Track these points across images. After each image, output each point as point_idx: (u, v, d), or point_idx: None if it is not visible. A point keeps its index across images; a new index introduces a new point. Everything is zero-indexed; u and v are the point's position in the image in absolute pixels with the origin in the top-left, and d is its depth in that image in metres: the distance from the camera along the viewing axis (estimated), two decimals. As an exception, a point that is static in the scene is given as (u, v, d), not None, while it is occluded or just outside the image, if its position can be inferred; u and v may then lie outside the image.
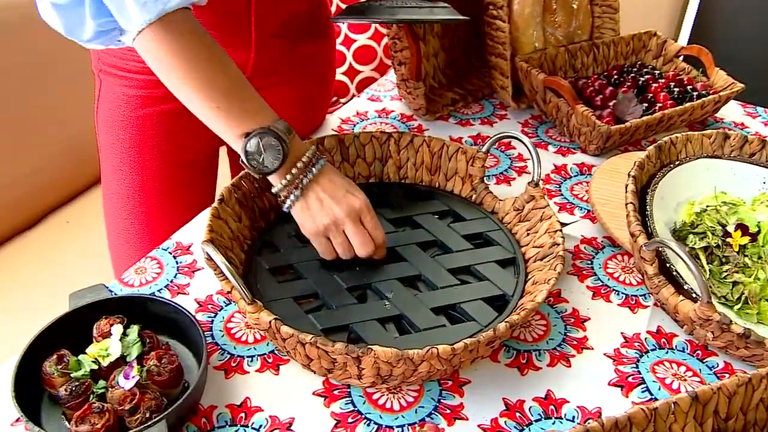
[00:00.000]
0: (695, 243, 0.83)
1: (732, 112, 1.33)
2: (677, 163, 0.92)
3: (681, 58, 1.36)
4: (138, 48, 0.80)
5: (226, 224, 0.81)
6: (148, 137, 1.04)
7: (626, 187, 0.83)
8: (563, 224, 0.85)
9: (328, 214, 0.80)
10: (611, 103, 1.17)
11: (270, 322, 0.65)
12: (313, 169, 0.82)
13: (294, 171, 0.80)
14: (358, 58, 2.04)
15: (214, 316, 0.80)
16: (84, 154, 1.64)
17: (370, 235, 0.82)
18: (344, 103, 1.36)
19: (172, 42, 0.77)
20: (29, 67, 1.54)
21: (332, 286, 0.80)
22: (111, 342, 0.69)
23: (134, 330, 0.70)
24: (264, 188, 0.88)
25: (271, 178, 0.81)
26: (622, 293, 0.86)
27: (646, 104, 1.20)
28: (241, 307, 0.68)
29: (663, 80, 1.27)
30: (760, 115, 1.33)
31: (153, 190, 1.08)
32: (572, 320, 0.81)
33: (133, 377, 0.65)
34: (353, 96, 2.03)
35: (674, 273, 0.76)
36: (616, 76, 1.30)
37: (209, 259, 0.69)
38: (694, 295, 0.74)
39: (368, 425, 0.68)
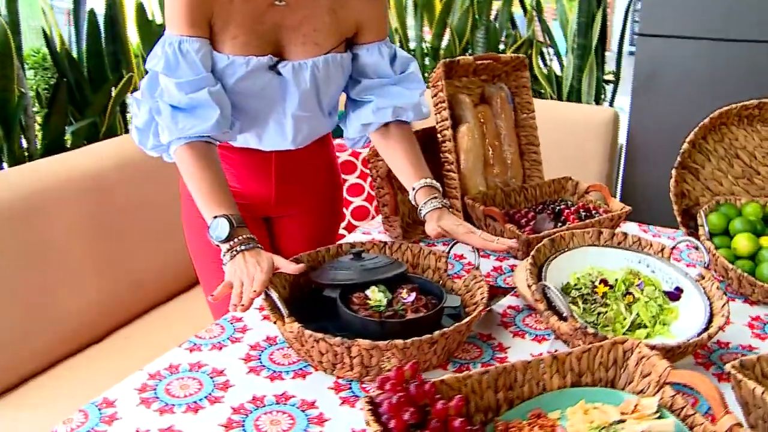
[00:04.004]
0: (574, 293, 1.28)
1: (631, 229, 1.81)
2: (565, 249, 1.38)
3: (589, 193, 1.86)
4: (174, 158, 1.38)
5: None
6: None
7: (528, 261, 1.29)
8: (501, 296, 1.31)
9: (239, 272, 1.22)
10: (531, 223, 1.66)
11: (298, 328, 1.10)
12: (242, 247, 1.25)
13: (233, 244, 1.26)
14: (354, 215, 2.57)
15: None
16: (140, 286, 2.17)
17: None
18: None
19: (184, 161, 1.35)
20: (112, 215, 2.08)
21: None
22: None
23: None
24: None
25: (221, 245, 1.27)
26: (533, 333, 1.29)
27: (560, 223, 1.68)
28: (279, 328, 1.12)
29: (574, 207, 1.75)
30: (650, 230, 1.81)
31: None
32: (498, 348, 1.24)
33: None
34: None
35: (556, 308, 1.21)
36: (540, 208, 1.79)
37: (267, 298, 1.15)
38: (565, 317, 1.18)
39: None
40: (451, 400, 0.86)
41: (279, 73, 1.41)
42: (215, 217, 1.28)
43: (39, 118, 2.70)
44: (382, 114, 1.50)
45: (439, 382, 0.91)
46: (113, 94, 2.69)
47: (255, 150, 1.52)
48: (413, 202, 1.47)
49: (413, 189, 1.46)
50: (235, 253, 1.26)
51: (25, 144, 2.52)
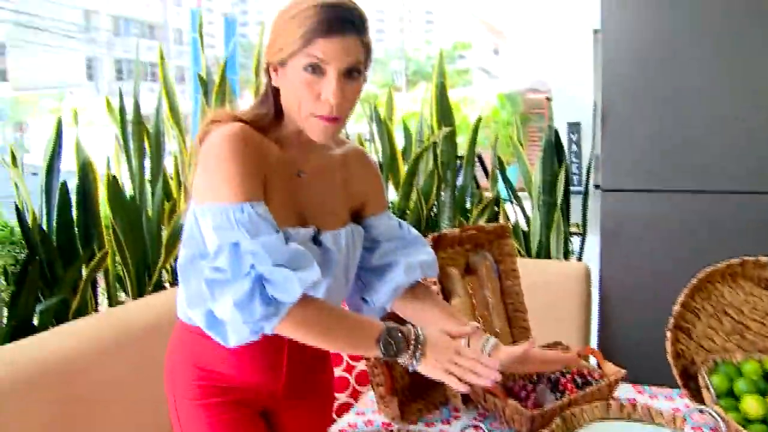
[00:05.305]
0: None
1: (626, 390, 1.78)
2: (577, 427, 1.35)
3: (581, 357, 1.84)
4: (281, 331, 1.29)
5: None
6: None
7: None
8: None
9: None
10: (532, 395, 1.62)
11: None
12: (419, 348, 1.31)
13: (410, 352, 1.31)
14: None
15: None
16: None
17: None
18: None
19: (307, 316, 1.30)
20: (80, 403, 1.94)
21: None
22: None
23: None
24: None
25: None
26: None
27: (559, 393, 1.65)
28: None
29: (569, 375, 1.73)
30: (646, 391, 1.79)
31: None
32: None
33: None
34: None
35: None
36: (536, 377, 1.76)
37: None
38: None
39: None
40: None
41: (319, 245, 1.40)
42: (377, 341, 1.31)
43: (5, 295, 2.62)
44: (412, 273, 1.53)
45: None
46: (84, 270, 2.64)
47: (267, 341, 1.39)
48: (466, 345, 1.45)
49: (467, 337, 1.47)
50: (419, 356, 1.31)
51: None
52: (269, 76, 1.38)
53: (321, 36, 1.28)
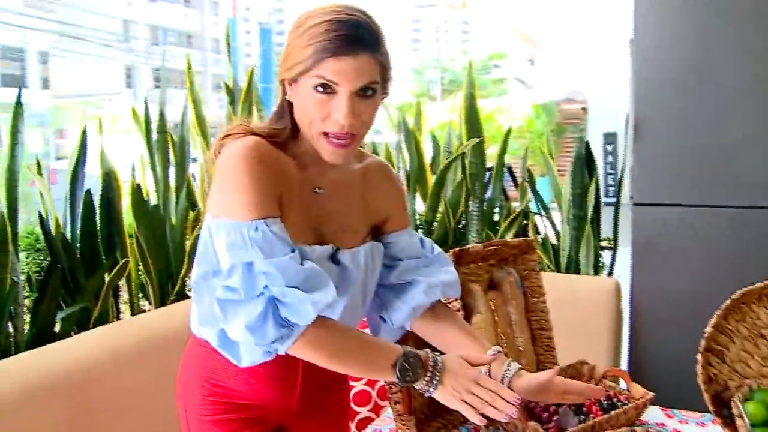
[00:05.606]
0: None
1: (655, 414, 1.71)
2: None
3: (607, 378, 1.77)
4: (295, 352, 1.26)
5: None
6: None
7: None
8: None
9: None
10: (555, 418, 1.56)
11: None
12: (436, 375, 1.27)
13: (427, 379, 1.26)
14: (356, 401, 2.44)
15: None
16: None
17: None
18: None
19: (320, 338, 1.26)
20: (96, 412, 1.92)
21: None
22: None
23: None
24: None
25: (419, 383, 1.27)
26: None
27: (582, 416, 1.58)
28: None
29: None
30: (675, 416, 1.71)
31: None
32: None
33: None
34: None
35: None
36: (559, 397, 1.70)
37: None
38: None
39: None
40: None
41: (337, 263, 1.36)
42: (393, 366, 1.27)
43: (27, 302, 2.61)
44: (433, 293, 1.47)
45: None
46: (107, 278, 2.62)
47: (282, 359, 1.34)
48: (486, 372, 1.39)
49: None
50: (436, 383, 1.27)
51: (11, 329, 2.42)
52: (284, 91, 1.35)
53: (330, 56, 1.23)
